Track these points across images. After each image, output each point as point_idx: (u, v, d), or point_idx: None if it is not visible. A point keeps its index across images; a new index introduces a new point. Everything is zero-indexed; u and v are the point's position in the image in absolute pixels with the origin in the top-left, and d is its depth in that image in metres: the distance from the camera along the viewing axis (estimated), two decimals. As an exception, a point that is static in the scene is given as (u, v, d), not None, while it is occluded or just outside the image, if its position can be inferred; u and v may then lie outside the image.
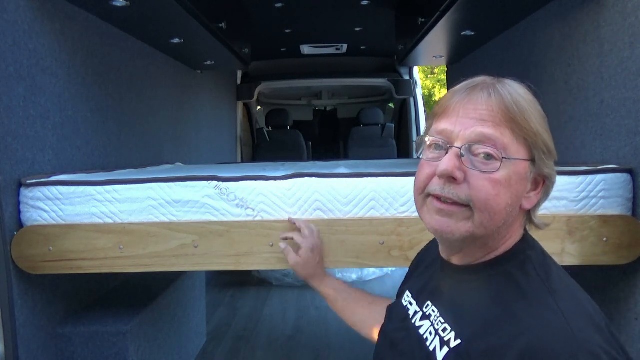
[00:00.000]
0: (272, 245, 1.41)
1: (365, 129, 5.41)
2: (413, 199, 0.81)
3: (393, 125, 5.60)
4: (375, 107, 5.75)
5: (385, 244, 1.41)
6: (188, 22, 2.06)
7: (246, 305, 3.44)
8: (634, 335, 1.37)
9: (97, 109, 1.97)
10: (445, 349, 0.73)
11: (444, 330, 0.76)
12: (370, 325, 1.13)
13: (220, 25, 2.43)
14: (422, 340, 0.80)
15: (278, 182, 1.44)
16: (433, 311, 0.81)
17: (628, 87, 1.41)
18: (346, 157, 5.31)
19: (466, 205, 0.74)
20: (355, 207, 1.43)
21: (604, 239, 1.35)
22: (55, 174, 1.55)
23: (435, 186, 0.76)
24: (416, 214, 0.84)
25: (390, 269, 4.00)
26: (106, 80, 2.05)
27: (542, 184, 0.77)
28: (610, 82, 1.49)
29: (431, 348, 0.76)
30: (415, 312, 0.87)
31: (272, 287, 3.82)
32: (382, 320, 1.05)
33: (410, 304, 0.90)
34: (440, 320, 0.78)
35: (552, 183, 0.78)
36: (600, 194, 1.37)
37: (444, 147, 0.76)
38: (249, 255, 1.41)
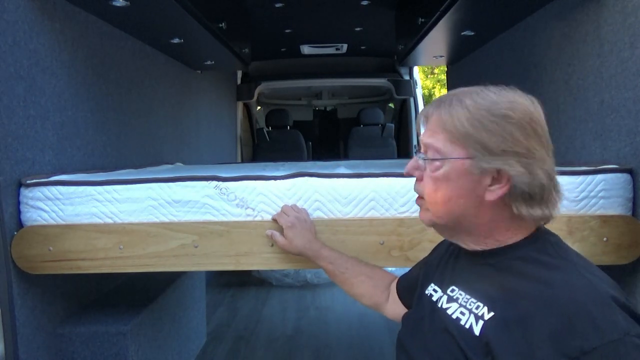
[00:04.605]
0: (272, 245, 1.41)
1: (365, 129, 5.41)
2: (413, 199, 0.89)
3: (393, 125, 5.60)
4: (375, 107, 5.75)
5: (385, 244, 1.41)
6: (188, 22, 2.06)
7: (246, 305, 3.44)
8: (634, 335, 1.37)
9: (97, 109, 1.97)
10: (481, 322, 0.80)
11: (477, 307, 0.82)
12: (369, 297, 1.27)
13: (220, 25, 2.43)
14: (453, 321, 0.85)
15: (278, 182, 1.44)
16: (460, 294, 0.88)
17: (628, 87, 1.41)
18: (346, 157, 5.30)
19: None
20: (355, 207, 1.43)
21: (604, 239, 1.35)
22: (55, 174, 1.55)
23: None
24: (416, 214, 0.89)
25: (390, 269, 3.99)
26: (106, 80, 2.05)
27: (507, 179, 0.82)
28: (610, 82, 1.49)
29: (467, 326, 0.82)
30: (440, 297, 0.93)
31: (272, 287, 3.82)
32: (380, 291, 1.24)
33: (435, 291, 0.97)
34: (472, 301, 0.85)
35: (519, 178, 0.81)
36: (600, 194, 1.37)
37: None
38: (249, 255, 1.41)
